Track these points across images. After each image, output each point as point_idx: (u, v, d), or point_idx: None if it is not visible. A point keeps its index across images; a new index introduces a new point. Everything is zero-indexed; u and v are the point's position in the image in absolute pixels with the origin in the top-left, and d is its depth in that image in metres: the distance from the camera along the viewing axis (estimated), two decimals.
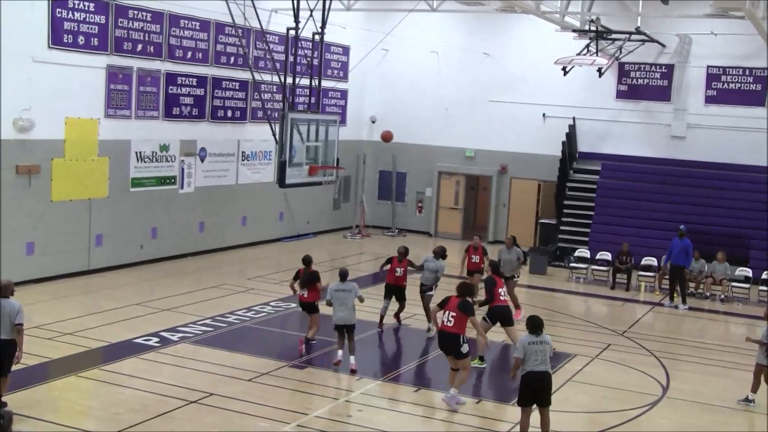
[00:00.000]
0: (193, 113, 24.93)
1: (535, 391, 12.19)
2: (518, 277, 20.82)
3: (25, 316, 12.32)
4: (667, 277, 23.60)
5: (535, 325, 12.22)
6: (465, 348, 13.89)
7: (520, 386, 12.21)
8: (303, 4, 22.27)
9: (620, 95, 30.27)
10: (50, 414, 12.48)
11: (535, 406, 12.34)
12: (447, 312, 13.93)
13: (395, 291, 18.54)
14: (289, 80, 23.36)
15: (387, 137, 16.82)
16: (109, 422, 12.44)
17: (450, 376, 14.24)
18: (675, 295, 22.94)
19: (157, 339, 16.47)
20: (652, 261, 25.46)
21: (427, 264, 18.59)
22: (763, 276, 24.36)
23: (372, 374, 15.32)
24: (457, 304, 13.88)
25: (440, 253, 18.80)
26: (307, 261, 16.99)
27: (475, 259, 20.98)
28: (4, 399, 12.03)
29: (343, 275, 15.90)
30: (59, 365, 14.92)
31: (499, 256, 20.04)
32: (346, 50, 31.50)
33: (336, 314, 15.53)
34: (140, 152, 23.30)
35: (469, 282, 16.13)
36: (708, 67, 29.01)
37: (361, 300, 15.82)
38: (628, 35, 27.19)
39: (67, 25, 20.69)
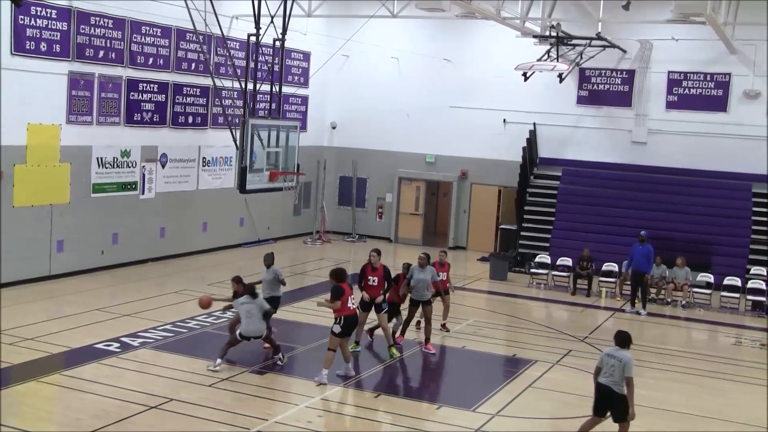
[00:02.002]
0: (155, 119, 24.85)
1: (601, 403, 12.51)
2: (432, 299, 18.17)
3: None
4: (628, 282, 23.81)
5: (621, 339, 12.82)
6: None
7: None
8: (264, 11, 22.24)
9: (581, 101, 30.48)
10: (11, 419, 12.39)
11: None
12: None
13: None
14: (250, 86, 23.31)
15: (204, 304, 16.51)
16: (69, 427, 12.40)
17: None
18: (636, 300, 23.13)
19: (117, 344, 16.40)
20: (614, 266, 25.65)
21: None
22: (725, 282, 24.66)
23: (333, 380, 15.31)
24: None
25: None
26: (238, 280, 17.03)
27: (442, 276, 18.85)
28: None
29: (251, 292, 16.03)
30: (20, 370, 14.80)
31: (411, 275, 17.83)
32: (306, 56, 31.53)
33: (246, 327, 15.74)
34: (101, 158, 23.20)
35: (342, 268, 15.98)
36: (669, 72, 29.23)
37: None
38: (588, 41, 27.43)
39: (29, 32, 20.59)
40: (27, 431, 12.11)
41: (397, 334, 17.77)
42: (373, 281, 17.01)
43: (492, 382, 16.39)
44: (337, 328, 15.09)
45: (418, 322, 18.73)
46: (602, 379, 12.44)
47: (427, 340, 17.60)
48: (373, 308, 17.07)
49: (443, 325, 19.11)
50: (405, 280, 17.71)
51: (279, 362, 16.03)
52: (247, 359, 16.27)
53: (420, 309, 17.70)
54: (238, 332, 15.89)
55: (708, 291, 24.51)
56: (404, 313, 18.06)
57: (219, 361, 15.45)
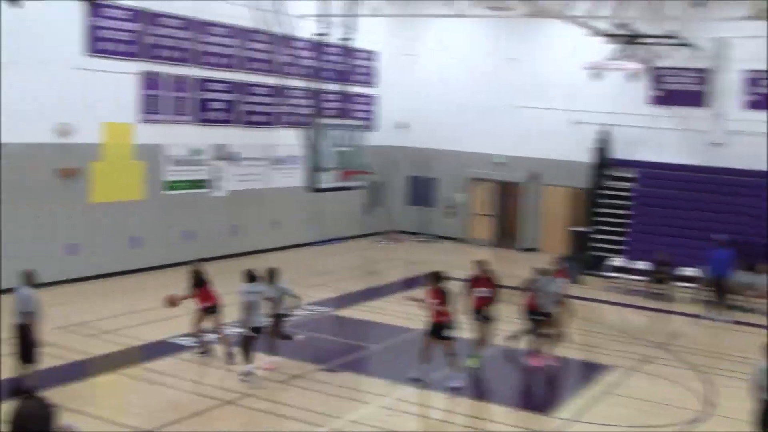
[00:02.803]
0: (226, 118, 25.05)
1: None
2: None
3: (37, 305, 12.97)
4: (707, 288, 23.15)
5: None
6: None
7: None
8: (332, 10, 22.31)
9: (653, 101, 29.89)
10: (90, 408, 12.61)
11: None
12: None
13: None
14: (319, 86, 23.39)
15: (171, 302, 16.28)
16: (146, 419, 12.55)
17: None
18: (715, 306, 22.49)
19: (194, 339, 16.45)
20: (692, 271, 24.98)
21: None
22: None
23: (405, 380, 15.14)
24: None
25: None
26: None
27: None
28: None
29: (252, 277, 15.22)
30: (100, 362, 15.15)
31: (539, 285, 16.90)
32: (374, 55, 31.48)
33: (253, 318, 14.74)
34: (174, 156, 23.48)
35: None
36: (746, 71, 28.41)
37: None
38: (660, 39, 26.84)
39: (102, 33, 21.02)
40: (105, 419, 12.30)
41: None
42: (481, 292, 16.41)
43: (567, 387, 16.11)
44: (451, 333, 14.66)
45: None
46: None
47: (539, 351, 16.83)
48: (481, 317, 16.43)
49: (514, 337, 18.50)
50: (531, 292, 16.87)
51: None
52: (320, 357, 16.23)
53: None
54: (250, 327, 14.69)
55: None
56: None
57: (249, 367, 14.57)
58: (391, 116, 32.99)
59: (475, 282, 16.53)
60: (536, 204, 31.81)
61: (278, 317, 15.66)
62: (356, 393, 14.69)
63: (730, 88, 28.64)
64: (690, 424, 14.11)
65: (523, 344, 17.14)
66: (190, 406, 13.17)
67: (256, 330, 14.64)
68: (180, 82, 23.35)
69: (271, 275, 15.65)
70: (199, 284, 15.81)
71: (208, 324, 15.86)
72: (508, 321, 18.21)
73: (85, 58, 20.66)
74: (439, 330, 14.72)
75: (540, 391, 15.92)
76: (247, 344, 14.56)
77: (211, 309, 15.77)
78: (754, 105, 28.26)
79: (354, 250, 29.58)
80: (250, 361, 14.49)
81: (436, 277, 14.92)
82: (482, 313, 16.34)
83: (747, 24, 24.77)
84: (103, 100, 21.18)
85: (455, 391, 14.63)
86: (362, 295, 22.31)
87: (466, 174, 32.60)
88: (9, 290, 14.00)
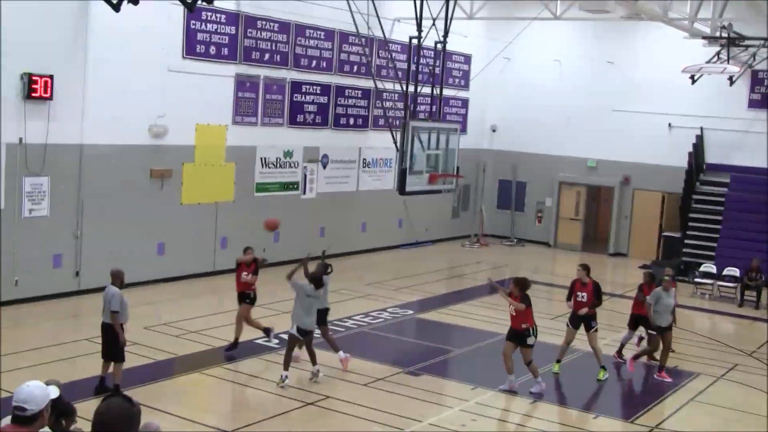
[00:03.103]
0: (317, 120, 25.35)
1: None
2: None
3: (122, 304, 13.16)
4: None
5: None
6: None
7: None
8: (426, 13, 22.34)
9: (752, 105, 29.25)
10: (173, 407, 12.88)
11: None
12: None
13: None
14: (411, 88, 23.47)
15: (272, 225, 16.27)
16: (228, 419, 12.83)
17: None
18: None
19: (276, 341, 16.71)
20: None
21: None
22: None
23: (487, 384, 15.16)
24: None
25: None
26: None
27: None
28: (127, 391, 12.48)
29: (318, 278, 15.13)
30: (185, 361, 15.43)
31: (655, 299, 16.27)
32: (467, 59, 31.49)
33: (303, 319, 14.62)
34: (265, 158, 23.86)
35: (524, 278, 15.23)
36: None
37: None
38: (762, 41, 26.26)
39: (200, 36, 21.40)
40: (188, 419, 12.54)
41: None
42: (582, 297, 15.95)
43: (652, 393, 15.93)
44: (532, 340, 14.57)
45: (641, 339, 17.89)
46: None
47: (662, 367, 16.37)
48: (582, 326, 16.11)
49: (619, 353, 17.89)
50: (647, 304, 16.41)
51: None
52: (403, 360, 16.37)
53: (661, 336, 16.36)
54: (294, 327, 14.58)
55: None
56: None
57: (285, 374, 14.37)
58: (482, 119, 32.97)
59: (576, 286, 16.28)
60: (627, 208, 31.44)
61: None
62: (438, 396, 14.76)
63: None
64: None
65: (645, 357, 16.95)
66: (271, 408, 13.40)
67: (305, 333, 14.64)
68: (274, 85, 23.71)
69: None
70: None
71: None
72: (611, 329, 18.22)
73: (182, 61, 21.10)
74: (518, 336, 14.67)
75: (625, 398, 15.77)
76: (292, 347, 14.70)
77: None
78: None
79: (442, 253, 29.65)
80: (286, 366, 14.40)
81: (521, 285, 14.76)
82: (580, 318, 16.08)
83: None
84: (197, 102, 21.59)
85: (536, 396, 14.60)
86: (447, 298, 22.38)
87: (557, 178, 32.38)
88: (100, 289, 14.36)
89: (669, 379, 16.20)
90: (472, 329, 18.75)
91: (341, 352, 15.42)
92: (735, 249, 26.72)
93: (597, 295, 16.00)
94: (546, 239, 32.74)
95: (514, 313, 14.54)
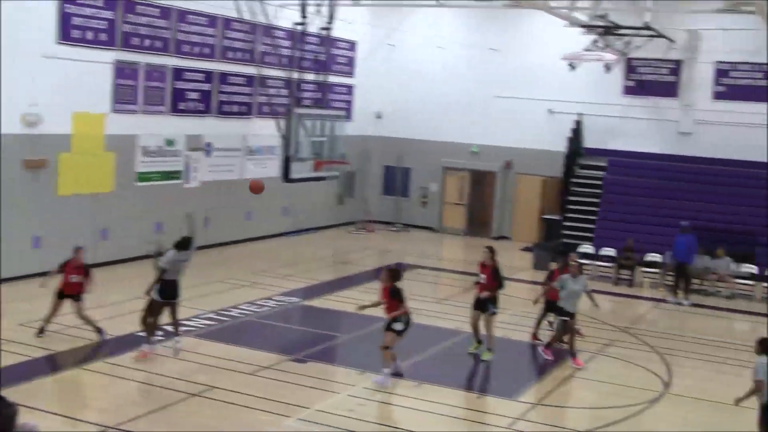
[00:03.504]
0: (200, 108, 25.04)
1: None
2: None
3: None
4: (671, 273, 23.63)
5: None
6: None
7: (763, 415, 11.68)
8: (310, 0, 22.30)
9: (628, 91, 30.22)
10: (53, 405, 12.59)
11: None
12: None
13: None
14: (296, 75, 23.40)
15: (256, 187, 16.35)
16: (111, 414, 12.53)
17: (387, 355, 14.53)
18: (679, 291, 22.97)
19: (160, 332, 16.45)
20: (657, 257, 25.41)
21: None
22: None
23: (374, 369, 15.29)
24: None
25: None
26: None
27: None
28: None
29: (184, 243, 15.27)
30: (64, 358, 15.06)
31: (562, 284, 16.63)
32: (352, 45, 31.54)
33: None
34: (146, 147, 23.44)
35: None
36: (717, 62, 28.84)
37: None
38: (636, 31, 27.04)
39: (75, 21, 20.81)
40: (70, 417, 12.28)
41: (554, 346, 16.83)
42: (482, 278, 16.26)
43: (533, 371, 16.34)
44: (400, 326, 14.55)
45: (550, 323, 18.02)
46: None
47: (574, 354, 16.52)
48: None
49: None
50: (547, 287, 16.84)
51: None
52: (289, 347, 16.37)
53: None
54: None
55: (751, 282, 24.21)
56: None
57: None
58: (367, 106, 33.08)
59: (479, 268, 16.47)
60: (510, 193, 32.04)
61: None
62: (325, 383, 14.80)
63: (701, 79, 29.05)
64: (650, 404, 14.39)
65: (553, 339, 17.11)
66: (154, 401, 13.22)
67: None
68: (155, 71, 23.29)
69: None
70: None
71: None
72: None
73: (56, 46, 20.39)
74: (389, 322, 14.65)
75: (508, 377, 16.10)
76: None
77: None
78: (723, 96, 28.71)
79: (328, 240, 29.70)
80: None
81: (391, 274, 14.73)
82: (482, 300, 16.29)
83: (719, 16, 25.13)
84: (74, 89, 20.97)
85: (378, 382, 14.50)
86: (333, 284, 22.45)
87: (441, 163, 32.76)
88: None
89: (582, 365, 16.31)
90: (359, 315, 18.82)
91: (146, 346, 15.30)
92: (611, 230, 27.62)
93: (496, 277, 16.19)
94: (431, 224, 33.12)
95: (385, 305, 14.61)
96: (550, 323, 18.00)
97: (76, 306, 16.05)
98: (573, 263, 16.87)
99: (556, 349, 17.02)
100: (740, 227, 26.59)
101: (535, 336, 17.81)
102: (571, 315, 16.47)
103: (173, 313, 15.32)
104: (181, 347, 15.23)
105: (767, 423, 11.70)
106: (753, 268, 24.71)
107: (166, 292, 15.09)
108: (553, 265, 17.94)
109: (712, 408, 14.42)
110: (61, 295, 16.07)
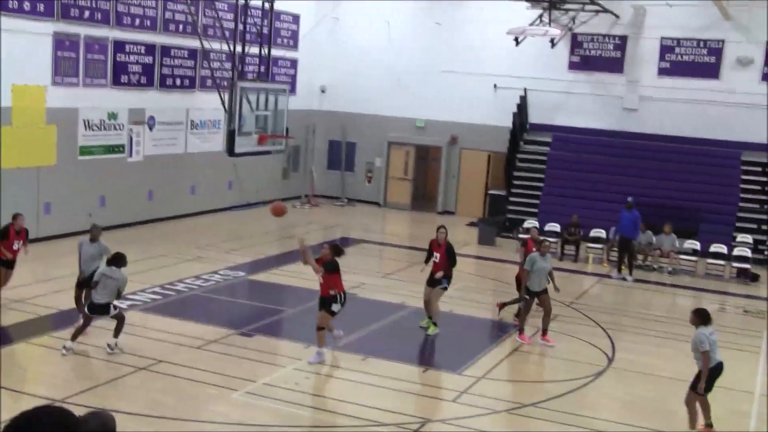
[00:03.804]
0: (142, 81, 24.71)
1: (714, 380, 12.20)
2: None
3: None
4: (615, 248, 23.87)
5: (708, 316, 12.23)
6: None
7: (709, 377, 12.07)
8: None
9: (573, 66, 30.36)
10: (3, 379, 12.38)
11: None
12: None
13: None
14: (239, 48, 23.20)
15: (278, 211, 15.56)
16: (59, 388, 12.45)
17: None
18: (623, 266, 23.22)
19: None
20: (601, 233, 25.70)
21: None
22: (711, 249, 24.74)
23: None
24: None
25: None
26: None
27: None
28: None
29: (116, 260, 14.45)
30: (9, 332, 14.86)
31: (531, 263, 16.52)
32: (296, 19, 31.32)
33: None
34: (88, 120, 23.08)
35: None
36: (662, 38, 29.01)
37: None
38: (581, 5, 27.21)
39: None
40: (17, 391, 12.17)
41: (525, 329, 16.60)
42: (436, 257, 16.33)
43: (478, 345, 16.49)
44: (338, 308, 14.36)
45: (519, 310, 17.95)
46: (718, 357, 12.18)
47: (545, 331, 16.54)
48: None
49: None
50: (525, 269, 16.66)
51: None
52: (235, 321, 16.33)
53: (537, 299, 16.64)
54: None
55: (694, 258, 24.53)
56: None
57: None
58: (312, 80, 32.93)
59: (433, 247, 16.60)
60: (455, 168, 32.14)
61: None
62: (271, 356, 14.85)
63: (646, 55, 29.28)
64: (594, 378, 14.61)
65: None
66: (102, 374, 13.17)
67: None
68: (96, 44, 22.91)
69: None
70: None
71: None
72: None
73: None
74: (325, 302, 14.40)
75: (453, 351, 16.23)
76: None
77: None
78: (668, 72, 28.97)
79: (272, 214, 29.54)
80: None
81: (334, 250, 14.50)
82: (436, 279, 16.43)
83: None
84: (13, 61, 20.54)
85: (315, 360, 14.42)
86: (279, 259, 22.40)
87: (386, 138, 32.75)
88: None
89: (552, 343, 16.35)
90: (304, 289, 18.82)
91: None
92: (556, 206, 27.89)
93: (450, 256, 16.33)
94: (376, 199, 33.13)
95: (321, 281, 14.36)
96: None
97: (10, 274, 15.86)
98: (545, 242, 17.03)
99: (505, 323, 17.21)
100: (684, 203, 26.97)
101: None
102: (539, 293, 16.50)
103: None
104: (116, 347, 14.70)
105: (712, 382, 12.07)
106: (696, 244, 25.09)
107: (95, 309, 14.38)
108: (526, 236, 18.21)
109: (654, 381, 14.68)
110: (6, 263, 15.81)
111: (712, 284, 23.33)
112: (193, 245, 23.07)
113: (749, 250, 24.65)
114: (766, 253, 25.56)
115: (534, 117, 30.83)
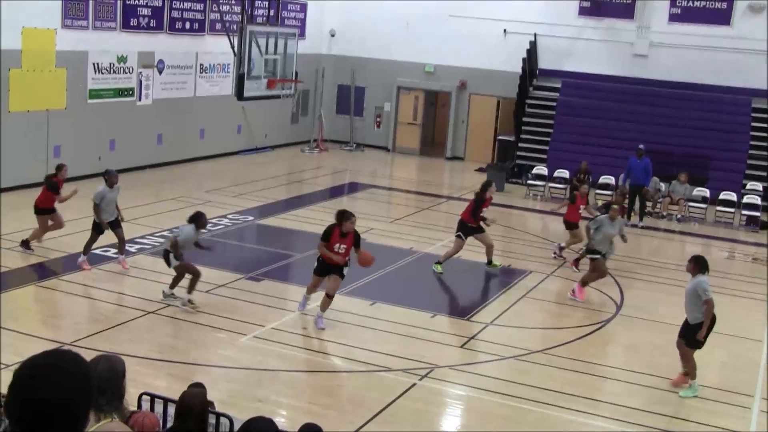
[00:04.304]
0: (151, 24, 24.56)
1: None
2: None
3: None
4: (625, 195, 23.80)
5: (707, 265, 12.41)
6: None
7: (708, 328, 11.94)
8: None
9: (583, 12, 30.06)
10: (11, 322, 12.48)
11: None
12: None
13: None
14: None
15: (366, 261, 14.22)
16: (68, 331, 12.55)
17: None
18: (633, 213, 23.20)
19: (115, 250, 16.40)
20: (610, 179, 25.66)
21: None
22: (720, 196, 24.70)
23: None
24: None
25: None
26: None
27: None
28: None
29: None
30: (19, 275, 14.95)
31: (598, 226, 16.15)
32: None
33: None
34: (98, 63, 23.00)
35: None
36: None
37: None
38: None
39: None
40: (26, 333, 12.22)
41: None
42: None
43: (487, 292, 16.57)
44: (347, 270, 13.64)
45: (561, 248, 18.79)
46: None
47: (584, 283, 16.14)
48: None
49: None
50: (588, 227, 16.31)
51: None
52: (244, 266, 16.42)
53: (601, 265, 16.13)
54: None
55: (704, 205, 24.49)
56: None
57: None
58: (321, 24, 32.71)
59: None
60: (464, 113, 32.02)
61: None
62: (280, 301, 14.89)
63: (656, 1, 28.97)
64: (602, 325, 14.70)
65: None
66: (111, 318, 13.25)
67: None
68: None
69: None
70: None
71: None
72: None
73: None
74: (338, 269, 13.60)
75: (461, 297, 16.33)
76: None
77: None
78: (679, 18, 28.70)
79: (281, 158, 29.58)
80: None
81: (342, 217, 13.54)
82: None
83: None
84: (23, 4, 20.42)
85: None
86: (288, 203, 22.46)
87: (395, 83, 32.58)
88: None
89: (581, 298, 15.98)
90: (313, 233, 18.78)
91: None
92: (565, 152, 27.81)
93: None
94: (385, 144, 33.06)
95: (343, 251, 13.47)
96: (561, 247, 18.75)
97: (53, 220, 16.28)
98: (615, 206, 16.71)
99: (514, 270, 17.28)
100: (693, 150, 26.88)
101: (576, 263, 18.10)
102: (603, 254, 16.13)
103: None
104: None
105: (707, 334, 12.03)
106: (705, 192, 25.05)
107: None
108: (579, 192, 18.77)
109: (662, 329, 14.72)
110: (44, 210, 16.16)
111: (721, 232, 23.34)
112: (202, 190, 23.10)
113: (759, 198, 24.59)
114: None
115: (543, 63, 30.64)
